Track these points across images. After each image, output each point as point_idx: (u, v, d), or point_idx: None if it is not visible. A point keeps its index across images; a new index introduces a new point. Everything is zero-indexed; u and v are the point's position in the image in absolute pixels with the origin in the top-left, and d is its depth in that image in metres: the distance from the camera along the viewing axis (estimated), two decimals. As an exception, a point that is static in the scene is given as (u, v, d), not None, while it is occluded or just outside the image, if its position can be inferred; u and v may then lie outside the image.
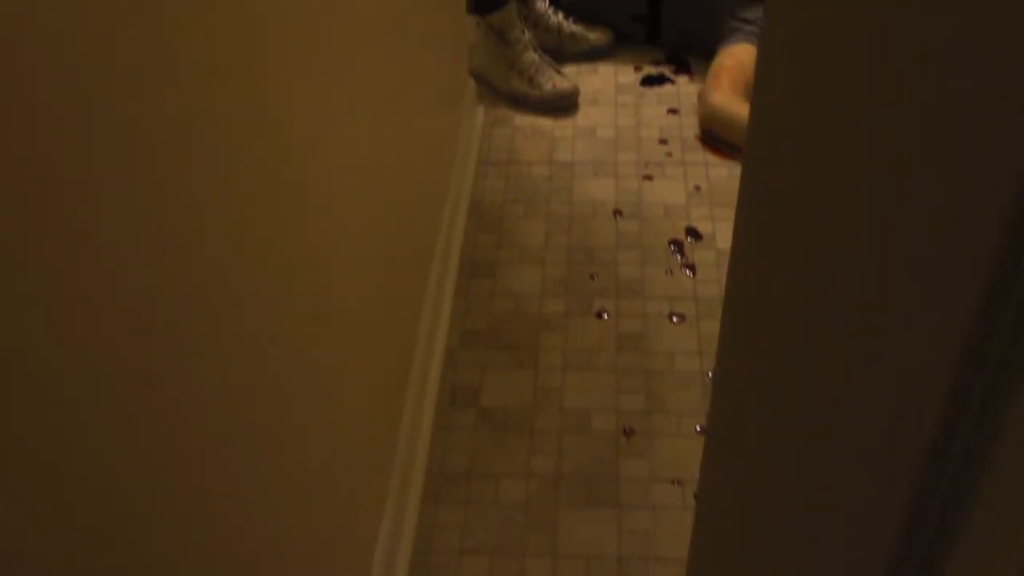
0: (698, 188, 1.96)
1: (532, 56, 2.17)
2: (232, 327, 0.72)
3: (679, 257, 1.82)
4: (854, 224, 0.37)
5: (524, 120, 2.17)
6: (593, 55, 2.33)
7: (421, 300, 1.55)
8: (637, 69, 2.31)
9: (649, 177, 2.00)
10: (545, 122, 2.16)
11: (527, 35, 2.18)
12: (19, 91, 0.44)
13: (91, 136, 0.51)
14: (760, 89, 0.37)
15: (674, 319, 1.70)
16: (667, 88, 2.24)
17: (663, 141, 2.09)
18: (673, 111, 2.17)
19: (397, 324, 1.38)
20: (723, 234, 1.86)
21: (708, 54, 2.22)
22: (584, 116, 2.17)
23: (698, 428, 1.52)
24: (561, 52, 2.31)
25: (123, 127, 0.54)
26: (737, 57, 2.12)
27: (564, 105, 2.17)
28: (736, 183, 1.95)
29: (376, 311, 1.23)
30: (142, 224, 0.57)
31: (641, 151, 2.06)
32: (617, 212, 1.92)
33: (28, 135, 0.45)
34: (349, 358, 1.09)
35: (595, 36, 2.33)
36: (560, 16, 2.32)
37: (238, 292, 0.74)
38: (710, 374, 1.59)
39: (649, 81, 2.27)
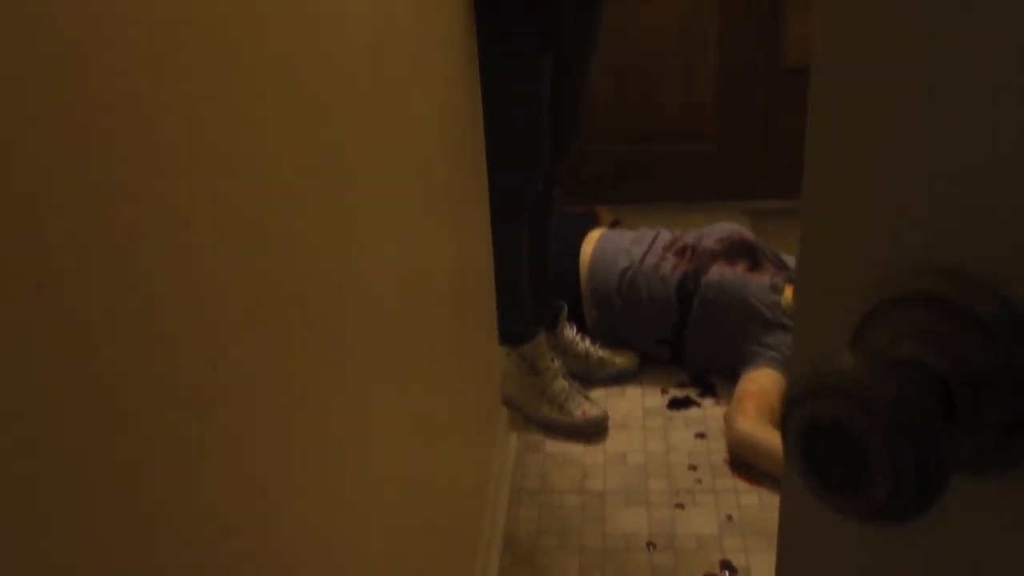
0: (730, 517, 1.97)
1: (562, 384, 2.26)
2: None
3: (716, 594, 1.80)
4: None
5: (555, 446, 2.22)
6: (620, 378, 2.43)
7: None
8: (663, 391, 2.39)
9: (680, 506, 2.02)
10: (576, 448, 2.21)
11: (556, 363, 2.29)
12: None
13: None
14: None
15: (714, 665, 1.65)
16: (694, 411, 2.31)
17: (693, 467, 2.12)
18: (701, 435, 2.22)
19: None
20: (758, 567, 1.84)
21: (732, 376, 2.30)
22: (614, 441, 2.22)
23: None
24: (589, 377, 2.41)
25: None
26: (760, 383, 2.20)
27: (594, 432, 2.24)
28: (767, 511, 1.97)
29: None
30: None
31: (672, 478, 2.09)
32: (650, 544, 1.92)
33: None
34: None
35: (621, 360, 2.44)
36: (587, 342, 2.44)
37: None
38: None
39: (676, 404, 2.34)
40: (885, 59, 0.40)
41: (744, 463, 2.10)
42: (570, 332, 2.43)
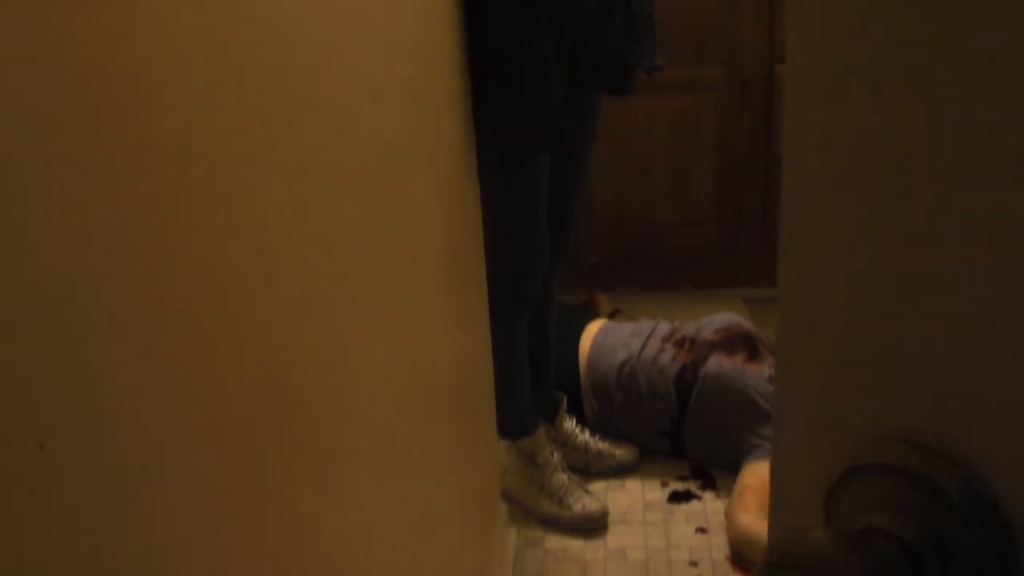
0: (732, 616, 1.95)
1: (561, 477, 2.26)
2: None
3: None
4: None
5: (555, 541, 2.21)
6: (620, 471, 2.42)
7: None
8: (664, 484, 2.38)
9: (682, 604, 1.99)
10: (576, 543, 2.19)
11: (556, 456, 2.28)
12: None
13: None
14: None
15: None
16: (694, 505, 2.30)
17: (694, 563, 2.10)
18: (702, 530, 2.21)
19: None
20: (762, 670, 1.81)
21: (733, 468, 2.30)
22: (614, 536, 2.21)
23: None
24: (589, 470, 2.40)
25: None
26: (760, 476, 2.19)
27: (593, 527, 2.22)
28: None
29: None
30: None
31: (673, 575, 2.07)
32: (651, 645, 1.89)
33: None
34: None
35: (621, 453, 2.43)
36: (587, 434, 2.44)
37: None
38: None
39: (676, 497, 2.33)
40: (852, 244, 0.43)
41: (745, 559, 2.08)
42: (570, 424, 2.43)
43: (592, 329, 2.55)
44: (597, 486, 2.36)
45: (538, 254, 2.01)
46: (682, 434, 2.42)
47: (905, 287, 0.42)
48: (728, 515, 2.15)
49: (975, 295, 0.39)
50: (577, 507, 2.23)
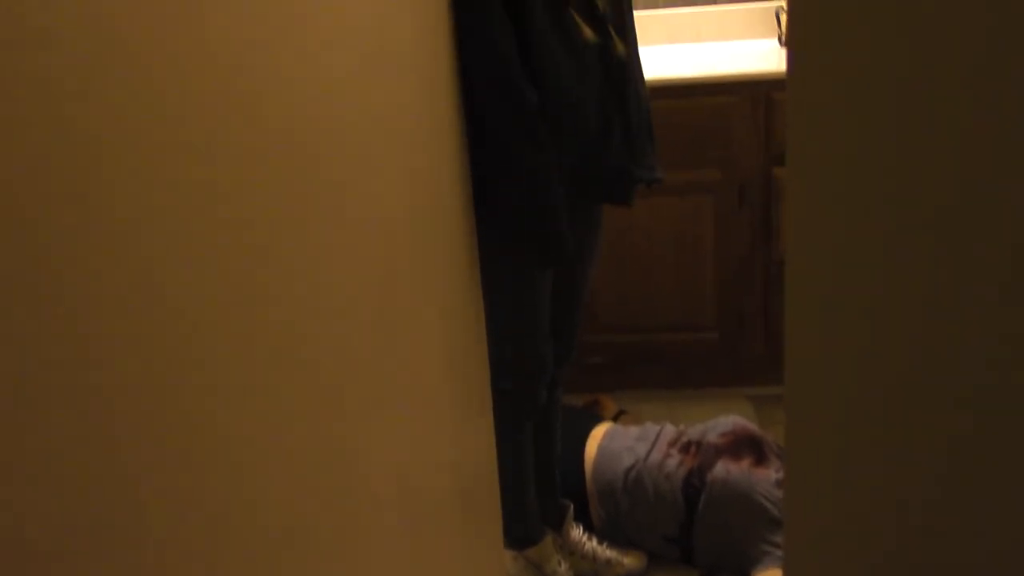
0: None
1: (569, 588, 2.22)
2: None
3: None
4: None
5: (564, 655, 2.16)
6: (629, 579, 2.38)
7: None
8: (673, 593, 2.34)
9: None
10: (585, 657, 2.15)
11: (563, 566, 2.25)
12: None
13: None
14: None
15: None
16: (705, 615, 2.25)
17: (706, 678, 2.05)
18: (713, 642, 2.16)
19: None
20: None
21: (742, 575, 2.26)
22: (624, 649, 2.16)
23: None
24: (597, 578, 2.37)
25: None
26: (771, 584, 2.16)
27: (603, 639, 2.18)
28: None
29: None
30: None
31: None
32: None
33: None
34: None
35: (629, 560, 2.40)
36: (595, 542, 2.40)
37: None
38: None
39: (686, 607, 2.28)
40: (859, 354, 0.44)
41: (759, 673, 2.04)
42: (577, 532, 2.40)
43: (597, 434, 2.54)
44: (606, 596, 2.32)
45: (542, 365, 2.02)
46: (690, 541, 2.39)
47: (909, 400, 0.42)
48: (740, 626, 2.10)
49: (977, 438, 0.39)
50: (586, 619, 2.19)
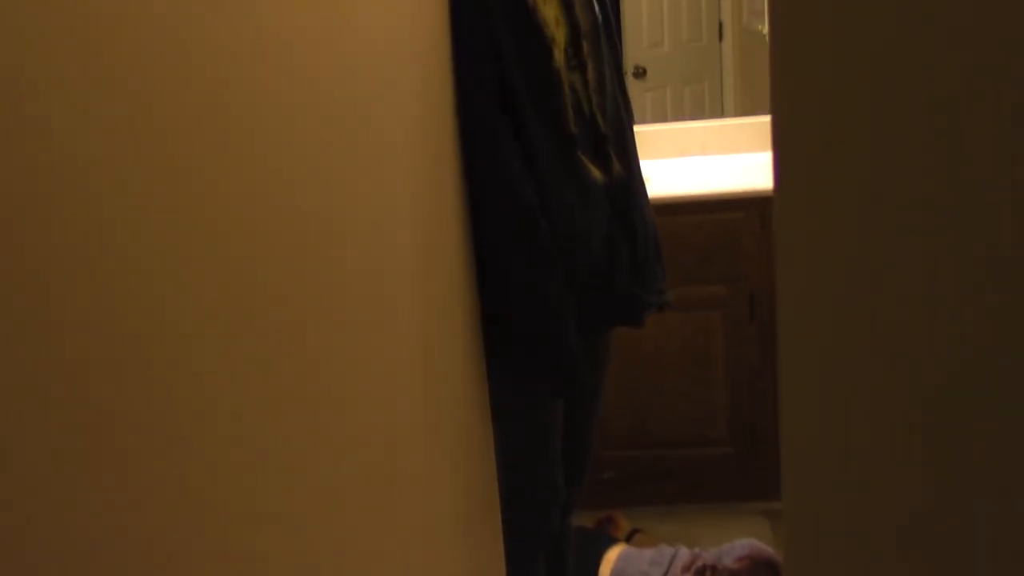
0: None
1: None
2: None
3: None
4: None
5: None
6: None
7: None
8: None
9: None
10: None
11: None
12: None
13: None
14: None
15: None
16: None
17: None
18: None
19: None
20: None
21: None
22: None
23: None
24: None
25: None
26: None
27: None
28: None
29: None
30: None
31: None
32: None
33: None
34: None
35: None
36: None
37: None
38: None
39: None
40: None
41: None
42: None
43: (610, 557, 2.49)
44: None
45: (554, 493, 1.99)
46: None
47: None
48: None
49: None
50: None
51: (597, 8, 1.87)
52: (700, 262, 2.95)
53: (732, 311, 3.00)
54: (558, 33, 1.78)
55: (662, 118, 3.46)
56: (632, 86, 3.92)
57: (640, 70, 4.05)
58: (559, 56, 1.77)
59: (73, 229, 0.48)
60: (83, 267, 0.49)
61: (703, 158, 3.33)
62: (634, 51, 4.00)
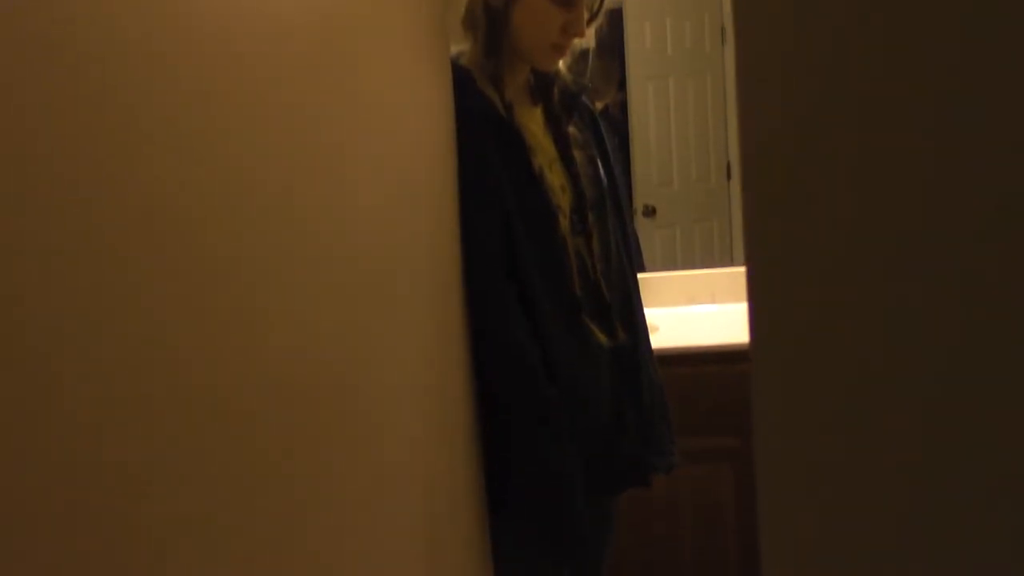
0: None
1: None
2: None
3: None
4: None
5: None
6: None
7: None
8: None
9: None
10: None
11: None
12: None
13: None
14: None
15: None
16: None
17: None
18: None
19: None
20: None
21: None
22: None
23: None
24: None
25: None
26: None
27: None
28: None
29: None
30: None
31: None
32: None
33: None
34: None
35: None
36: None
37: None
38: None
39: None
40: None
41: None
42: None
43: None
44: None
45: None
46: None
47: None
48: None
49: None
50: None
51: (605, 180, 1.90)
52: (710, 415, 2.91)
53: (743, 464, 2.94)
54: (563, 200, 1.80)
55: (672, 258, 3.46)
56: (642, 225, 3.96)
57: (650, 209, 4.09)
58: (564, 222, 1.79)
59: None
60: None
61: (712, 307, 3.31)
62: (644, 190, 4.05)
